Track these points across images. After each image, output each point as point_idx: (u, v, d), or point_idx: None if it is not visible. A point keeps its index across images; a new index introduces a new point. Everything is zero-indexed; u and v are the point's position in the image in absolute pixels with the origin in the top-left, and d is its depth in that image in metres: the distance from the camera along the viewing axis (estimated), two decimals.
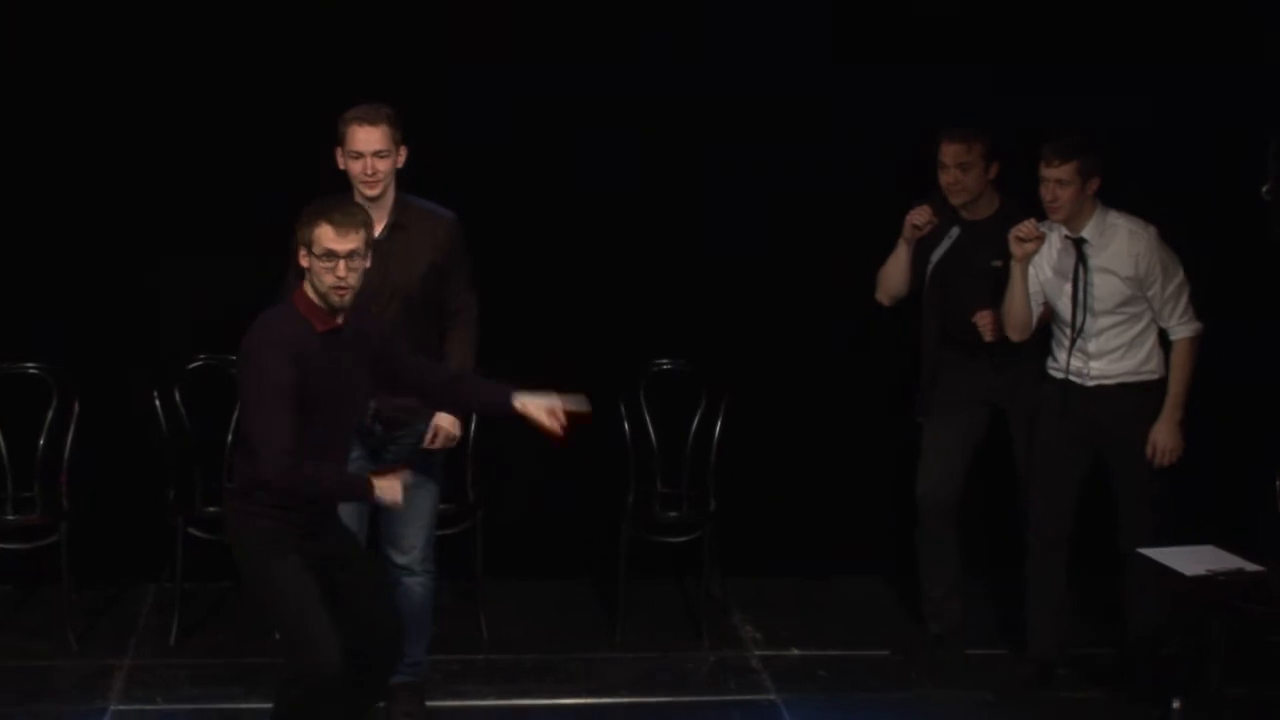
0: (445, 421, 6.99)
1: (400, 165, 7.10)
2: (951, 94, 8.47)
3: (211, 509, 7.75)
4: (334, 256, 6.21)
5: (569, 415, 6.53)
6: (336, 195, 6.53)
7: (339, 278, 6.22)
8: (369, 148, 6.97)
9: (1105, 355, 7.48)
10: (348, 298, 6.25)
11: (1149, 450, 7.46)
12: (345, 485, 6.41)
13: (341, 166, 7.05)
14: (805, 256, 8.63)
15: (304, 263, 6.30)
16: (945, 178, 7.73)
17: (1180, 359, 7.49)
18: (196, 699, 7.51)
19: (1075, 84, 8.36)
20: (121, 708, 7.46)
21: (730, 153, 8.58)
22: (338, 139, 6.92)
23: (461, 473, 8.19)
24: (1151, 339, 7.49)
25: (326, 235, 6.23)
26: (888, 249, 7.97)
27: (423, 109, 7.90)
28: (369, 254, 6.32)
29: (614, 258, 8.58)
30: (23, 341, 8.21)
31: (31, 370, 8.15)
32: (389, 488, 6.32)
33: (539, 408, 6.51)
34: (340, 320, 6.33)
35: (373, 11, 8.49)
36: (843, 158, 8.53)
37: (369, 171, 6.89)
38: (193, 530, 7.80)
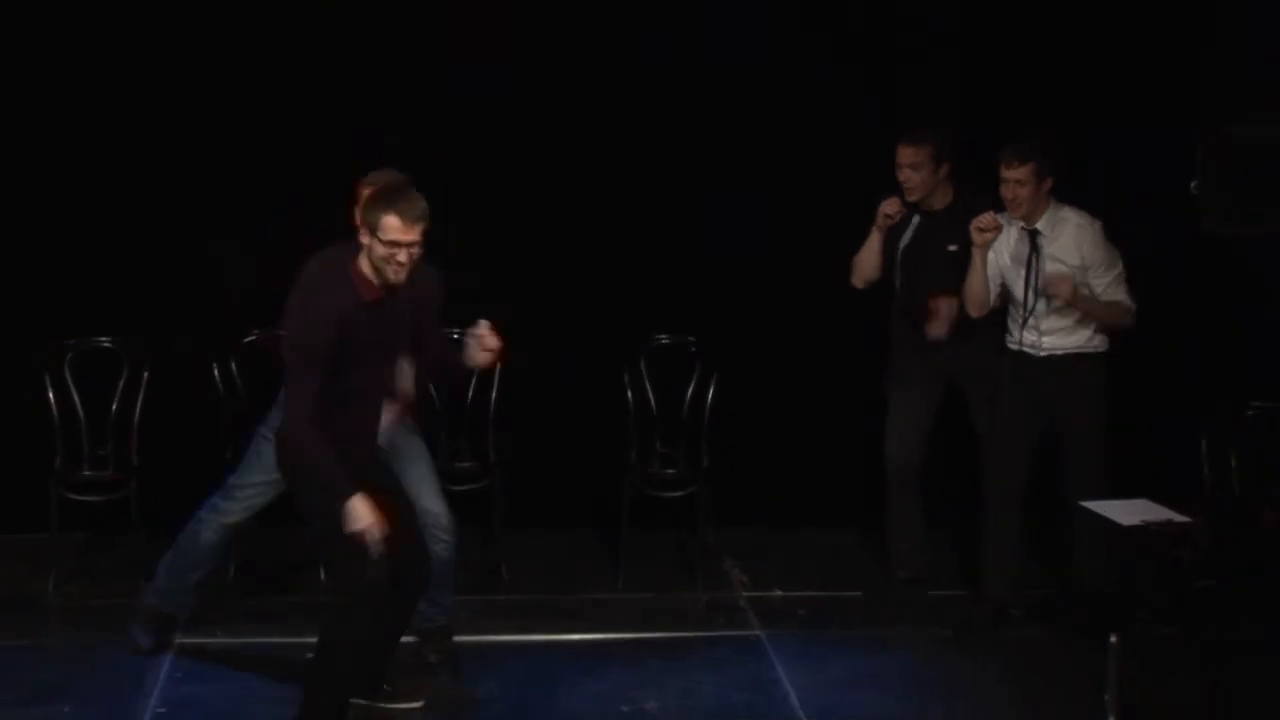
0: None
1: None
2: (929, 93, 8.58)
3: None
4: (398, 245, 6.14)
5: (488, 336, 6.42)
6: (400, 181, 6.41)
7: (399, 264, 6.16)
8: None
9: (1055, 331, 7.58)
10: (404, 275, 6.18)
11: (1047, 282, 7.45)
12: (329, 487, 6.17)
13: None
14: (792, 248, 8.68)
15: (364, 240, 6.17)
16: (900, 175, 7.83)
17: (1110, 304, 7.51)
18: (249, 633, 7.62)
19: (1034, 90, 8.46)
20: (185, 640, 7.54)
21: (726, 155, 8.67)
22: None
23: (483, 436, 8.36)
24: None
25: (393, 225, 6.12)
26: (862, 241, 8.01)
27: (437, 93, 8.05)
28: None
29: (619, 246, 8.66)
30: (97, 318, 8.27)
31: (105, 344, 8.20)
32: (361, 518, 6.12)
33: (473, 351, 6.44)
34: (386, 293, 6.24)
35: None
36: (830, 160, 8.62)
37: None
38: None
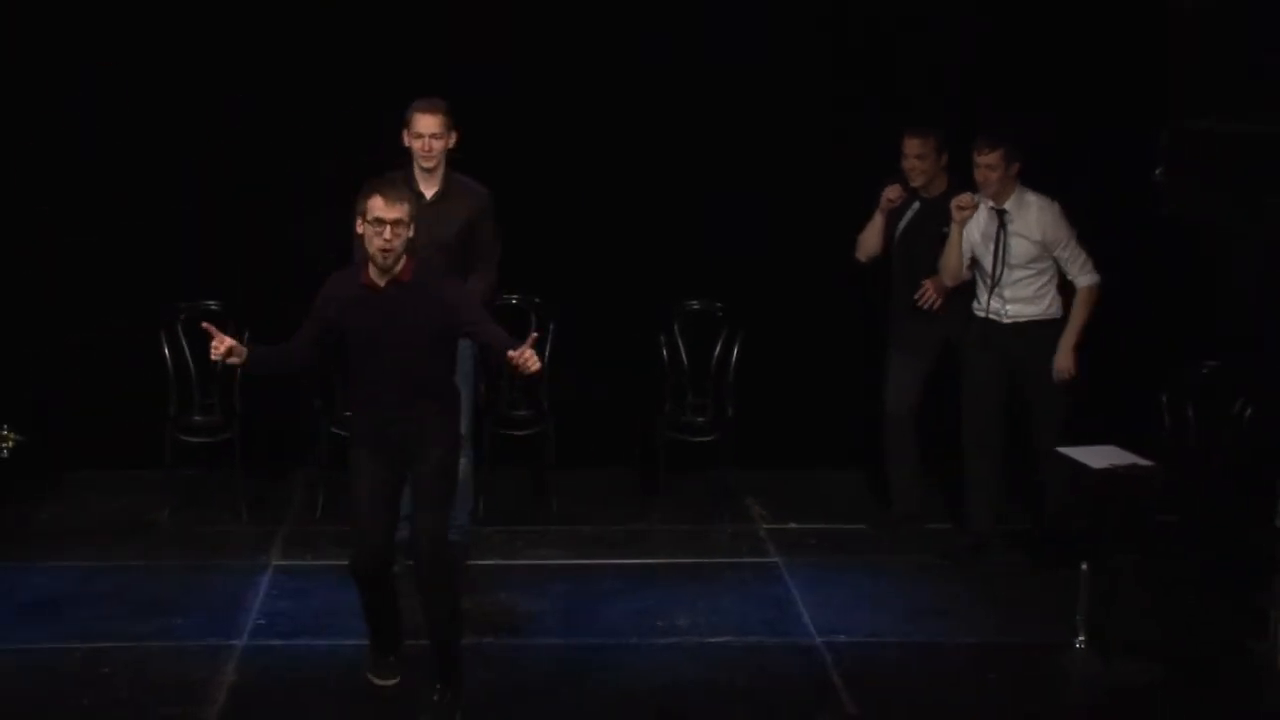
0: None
1: (451, 147, 7.21)
2: (925, 94, 8.51)
3: (349, 414, 7.02)
4: (381, 223, 6.03)
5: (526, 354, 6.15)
6: (388, 174, 6.39)
7: (385, 240, 6.02)
8: (428, 130, 7.16)
9: (1019, 300, 7.68)
10: (390, 259, 6.05)
11: (1055, 373, 7.61)
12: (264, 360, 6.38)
13: (406, 144, 7.24)
14: (807, 229, 8.70)
15: (359, 229, 6.11)
16: (906, 164, 7.95)
17: (1080, 301, 7.62)
18: (336, 556, 7.56)
19: (1017, 87, 8.46)
20: (281, 563, 7.74)
21: (741, 152, 8.66)
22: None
23: (537, 388, 8.38)
24: (1053, 289, 7.68)
25: (377, 205, 6.04)
26: (865, 221, 8.10)
27: (437, 93, 7.65)
28: (412, 224, 6.08)
29: (656, 227, 8.68)
30: (207, 285, 8.38)
31: (213, 307, 8.24)
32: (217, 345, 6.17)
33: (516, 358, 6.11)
34: (385, 281, 6.10)
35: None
36: (836, 151, 8.60)
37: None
38: (335, 429, 7.87)
